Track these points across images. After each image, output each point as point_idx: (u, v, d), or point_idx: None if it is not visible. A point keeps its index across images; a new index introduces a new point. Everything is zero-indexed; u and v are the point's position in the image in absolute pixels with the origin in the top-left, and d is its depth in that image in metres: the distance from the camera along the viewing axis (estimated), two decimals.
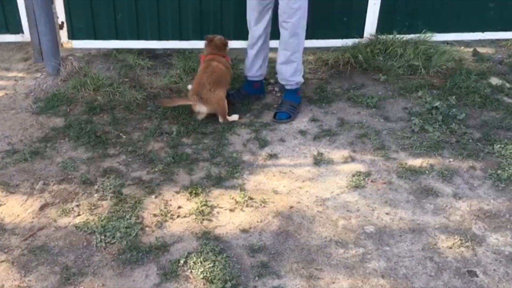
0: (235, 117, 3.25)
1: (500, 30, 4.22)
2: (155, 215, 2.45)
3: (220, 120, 3.20)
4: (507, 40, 4.51)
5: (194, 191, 2.60)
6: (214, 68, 3.24)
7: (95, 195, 2.57)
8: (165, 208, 2.50)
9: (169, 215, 2.46)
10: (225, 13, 3.70)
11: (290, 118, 3.25)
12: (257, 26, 3.25)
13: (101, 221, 2.38)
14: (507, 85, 3.75)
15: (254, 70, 3.40)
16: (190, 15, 3.69)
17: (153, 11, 3.67)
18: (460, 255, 2.26)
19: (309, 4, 3.09)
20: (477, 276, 2.15)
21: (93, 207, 2.49)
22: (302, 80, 3.37)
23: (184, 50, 3.95)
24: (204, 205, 2.51)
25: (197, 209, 2.48)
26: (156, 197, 2.58)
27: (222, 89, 3.20)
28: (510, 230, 2.40)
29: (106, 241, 2.28)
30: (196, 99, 3.11)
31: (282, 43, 3.21)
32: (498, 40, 4.49)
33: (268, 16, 3.20)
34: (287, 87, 3.36)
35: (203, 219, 2.43)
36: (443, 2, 3.98)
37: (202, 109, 3.15)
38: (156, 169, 2.77)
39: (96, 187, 2.62)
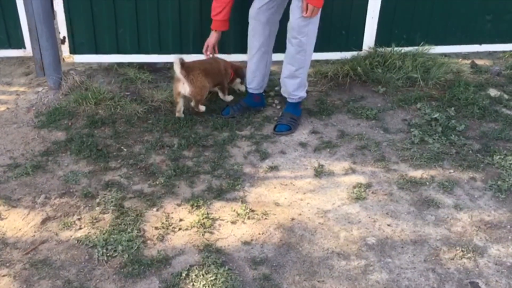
0: (202, 108, 3.38)
1: (497, 42, 4.26)
2: (156, 228, 2.45)
3: (192, 104, 3.34)
4: (504, 52, 4.55)
5: (195, 204, 2.61)
6: (211, 62, 3.41)
7: (97, 208, 2.57)
8: (166, 221, 2.50)
9: (170, 228, 2.46)
10: None
11: (290, 130, 3.27)
12: (254, 37, 3.27)
13: (103, 234, 2.38)
14: (505, 96, 3.78)
15: (254, 82, 3.42)
16: (191, 29, 3.73)
17: (154, 25, 3.71)
18: (462, 267, 2.26)
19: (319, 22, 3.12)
20: (480, 287, 2.15)
21: (94, 221, 2.49)
22: (305, 95, 3.39)
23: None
24: (206, 217, 2.51)
25: (198, 221, 2.48)
26: (157, 210, 2.58)
27: (209, 81, 3.32)
28: (511, 241, 2.41)
29: (108, 254, 2.28)
30: (184, 74, 3.16)
31: (288, 57, 3.21)
32: (495, 52, 4.54)
33: (268, 28, 3.22)
34: (290, 101, 3.38)
35: (204, 232, 2.43)
36: (440, 15, 4.03)
37: (185, 90, 3.23)
38: (157, 182, 2.77)
39: (97, 200, 2.63)
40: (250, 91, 3.47)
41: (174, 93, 3.34)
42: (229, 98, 3.60)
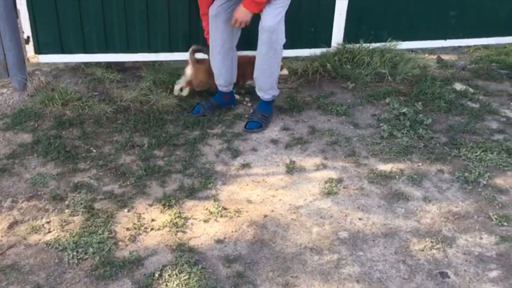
0: (186, 92, 3.61)
1: (461, 37, 4.36)
2: (128, 229, 2.42)
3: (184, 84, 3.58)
4: (469, 46, 4.67)
5: (167, 203, 2.58)
6: None
7: (66, 211, 2.52)
8: (138, 221, 2.47)
9: (142, 228, 2.43)
10: (193, 25, 3.70)
11: (261, 128, 3.27)
12: (216, 35, 3.25)
13: (73, 237, 2.34)
14: (471, 90, 3.88)
15: (221, 80, 3.41)
16: (159, 27, 3.68)
17: (121, 23, 3.65)
18: (432, 257, 2.31)
19: (285, 20, 3.12)
20: (449, 277, 2.19)
21: (64, 223, 2.44)
22: (278, 92, 3.40)
23: (154, 62, 3.94)
24: (178, 217, 2.50)
25: (170, 221, 2.46)
26: (128, 210, 2.55)
27: (207, 76, 3.49)
28: (479, 231, 2.46)
29: (79, 257, 2.24)
30: (193, 60, 3.47)
31: (259, 56, 3.20)
32: (460, 47, 4.66)
33: (230, 26, 3.18)
34: (262, 98, 3.38)
35: (177, 231, 2.41)
36: (406, 11, 4.10)
37: (187, 72, 3.50)
38: (128, 183, 2.74)
39: (66, 202, 2.57)
40: (219, 88, 3.46)
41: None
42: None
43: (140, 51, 3.73)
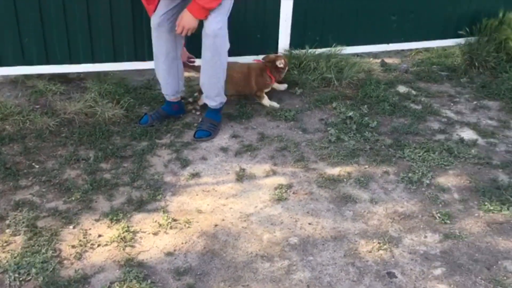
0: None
1: (403, 41, 4.51)
2: (73, 247, 2.34)
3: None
4: (411, 50, 4.83)
5: (115, 218, 2.52)
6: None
7: (7, 230, 2.41)
8: (84, 238, 2.40)
9: (89, 245, 2.36)
10: (138, 34, 3.64)
11: (210, 136, 3.26)
12: (160, 45, 3.21)
13: (14, 258, 2.24)
14: (413, 92, 4.00)
15: (169, 89, 3.37)
16: (102, 36, 3.60)
17: (62, 33, 3.54)
18: (380, 258, 2.35)
19: (228, 23, 3.12)
20: (396, 277, 2.25)
21: (5, 244, 2.33)
22: (225, 99, 3.39)
23: (99, 73, 3.85)
24: (126, 231, 2.44)
25: (118, 236, 2.40)
26: (74, 227, 2.47)
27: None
28: (423, 230, 2.54)
29: (21, 279, 2.15)
30: None
31: (205, 62, 3.19)
32: (403, 50, 4.80)
33: (173, 35, 3.15)
34: (211, 106, 3.37)
35: (125, 246, 2.36)
36: (349, 16, 4.19)
37: None
38: (73, 198, 2.65)
39: (7, 222, 2.47)
40: (166, 98, 3.42)
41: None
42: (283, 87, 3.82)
43: (83, 62, 3.63)
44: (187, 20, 3.00)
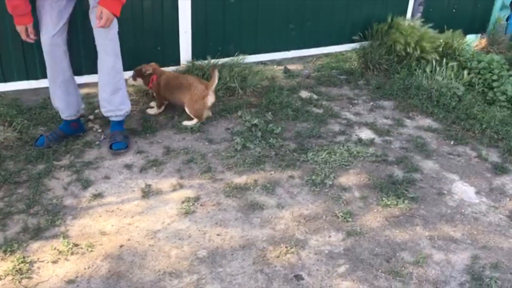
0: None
1: (303, 48, 4.66)
2: None
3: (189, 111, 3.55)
4: (312, 56, 5.00)
5: (9, 249, 2.35)
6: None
7: None
8: None
9: None
10: (27, 51, 3.44)
11: (127, 148, 3.18)
12: (57, 64, 3.06)
13: None
14: (315, 96, 4.14)
15: (72, 109, 3.23)
16: (12, 54, 3.32)
17: None
18: (287, 262, 2.40)
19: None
20: (303, 279, 2.30)
21: None
22: (130, 108, 3.33)
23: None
24: (22, 262, 2.29)
25: (13, 268, 2.25)
26: None
27: None
28: (328, 230, 2.62)
29: None
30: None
31: (106, 71, 3.10)
32: (305, 56, 4.95)
33: (67, 51, 3.06)
34: (115, 119, 3.27)
35: (22, 278, 2.21)
36: (249, 26, 4.27)
37: (212, 100, 3.55)
38: None
39: None
40: (67, 119, 3.26)
41: (202, 106, 3.52)
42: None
43: None
44: (106, 13, 2.88)
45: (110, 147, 3.17)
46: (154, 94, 3.69)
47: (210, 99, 3.51)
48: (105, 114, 3.30)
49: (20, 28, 2.95)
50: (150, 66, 3.62)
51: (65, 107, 3.22)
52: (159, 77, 3.60)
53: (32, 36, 2.98)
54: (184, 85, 3.53)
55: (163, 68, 3.72)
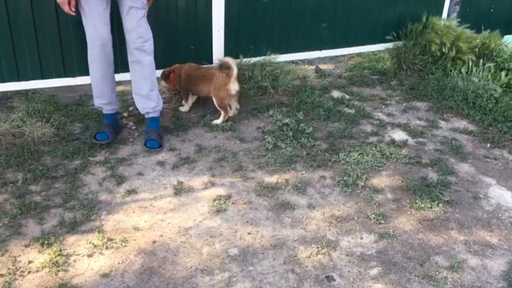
0: None
1: (335, 47, 4.61)
2: (2, 275, 2.22)
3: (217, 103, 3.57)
4: (343, 55, 4.96)
5: (46, 242, 2.42)
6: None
7: None
8: (13, 265, 2.28)
9: (18, 272, 2.24)
10: (65, 49, 3.52)
11: (161, 147, 3.23)
12: (107, 59, 3.16)
13: None
14: (347, 96, 4.11)
15: (113, 104, 3.35)
16: (27, 54, 3.44)
17: None
18: (318, 263, 2.39)
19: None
20: (334, 280, 2.28)
21: None
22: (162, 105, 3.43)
23: (26, 91, 3.70)
24: (59, 254, 2.34)
25: (50, 260, 2.30)
26: (2, 254, 2.34)
27: None
28: (359, 231, 2.60)
29: None
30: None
31: (143, 69, 3.20)
32: (336, 56, 4.92)
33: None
34: (152, 115, 3.35)
35: (58, 271, 2.26)
36: (281, 25, 4.25)
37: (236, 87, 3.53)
38: (0, 224, 2.52)
39: None
40: (110, 112, 3.36)
41: (227, 95, 3.49)
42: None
43: (8, 81, 3.46)
44: None
45: (145, 144, 3.22)
46: (179, 88, 3.74)
47: (233, 86, 3.49)
48: (142, 112, 3.36)
49: (61, 1, 3.02)
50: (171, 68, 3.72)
51: (109, 102, 3.32)
52: (177, 72, 3.64)
53: (73, 9, 3.03)
54: (206, 76, 3.55)
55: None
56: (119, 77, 3.52)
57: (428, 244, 2.53)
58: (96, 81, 3.23)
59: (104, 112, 3.35)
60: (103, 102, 3.30)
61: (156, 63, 3.28)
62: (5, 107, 3.57)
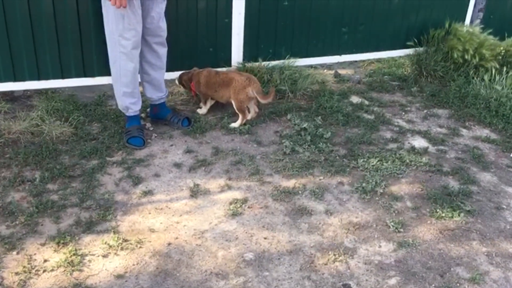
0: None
1: (355, 52, 4.57)
2: (17, 273, 2.22)
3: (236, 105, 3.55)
4: (363, 61, 4.91)
5: (61, 241, 2.41)
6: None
7: None
8: (28, 264, 2.27)
9: (33, 271, 2.24)
10: (86, 49, 3.54)
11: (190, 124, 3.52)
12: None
13: None
14: (366, 102, 4.06)
15: (138, 105, 3.39)
16: (48, 54, 3.47)
17: (5, 51, 3.39)
18: (335, 270, 2.34)
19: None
20: None
21: None
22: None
23: (46, 90, 3.72)
24: (74, 254, 2.33)
25: (65, 260, 2.30)
26: (18, 253, 2.34)
27: None
28: (378, 239, 2.55)
29: None
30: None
31: (160, 61, 3.36)
32: (356, 61, 4.87)
33: None
34: (163, 100, 3.53)
35: (73, 270, 2.25)
36: (301, 29, 4.23)
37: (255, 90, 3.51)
38: (17, 222, 2.53)
39: None
40: (136, 113, 3.39)
41: (246, 98, 3.49)
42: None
43: (29, 79, 3.49)
44: None
45: (182, 125, 3.48)
46: (198, 94, 3.73)
47: (253, 88, 3.46)
48: (161, 101, 3.51)
49: None
50: (184, 76, 3.75)
51: (137, 100, 3.33)
52: (196, 79, 3.63)
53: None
54: (225, 81, 3.53)
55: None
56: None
57: (448, 254, 2.46)
58: (130, 75, 3.20)
59: (131, 114, 3.33)
60: (132, 101, 3.29)
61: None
62: (25, 105, 3.60)
